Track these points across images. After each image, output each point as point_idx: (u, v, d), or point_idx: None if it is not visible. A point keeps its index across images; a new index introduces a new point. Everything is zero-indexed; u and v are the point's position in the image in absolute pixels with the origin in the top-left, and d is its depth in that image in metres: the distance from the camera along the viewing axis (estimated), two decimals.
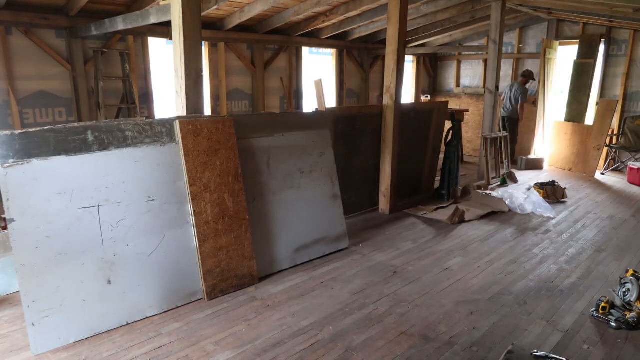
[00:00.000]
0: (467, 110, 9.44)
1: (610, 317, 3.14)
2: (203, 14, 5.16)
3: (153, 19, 3.96)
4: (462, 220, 5.26)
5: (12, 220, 2.64)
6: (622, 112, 7.97)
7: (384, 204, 5.64)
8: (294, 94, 7.90)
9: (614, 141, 7.99)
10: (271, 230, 3.84)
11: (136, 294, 3.09)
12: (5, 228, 3.82)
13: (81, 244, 2.89)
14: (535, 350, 2.50)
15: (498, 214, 5.62)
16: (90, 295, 2.91)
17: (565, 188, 6.39)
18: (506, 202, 5.75)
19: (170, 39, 5.31)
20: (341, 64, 8.58)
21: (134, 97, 5.71)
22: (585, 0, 5.22)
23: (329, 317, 3.20)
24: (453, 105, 10.00)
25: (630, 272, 3.38)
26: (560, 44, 8.65)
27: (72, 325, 2.84)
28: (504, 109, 8.37)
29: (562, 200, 6.22)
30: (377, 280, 3.79)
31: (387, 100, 5.33)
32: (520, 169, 8.15)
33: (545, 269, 4.06)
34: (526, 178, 7.49)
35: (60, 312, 2.80)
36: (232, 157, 3.48)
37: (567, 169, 8.22)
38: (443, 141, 6.41)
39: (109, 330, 2.98)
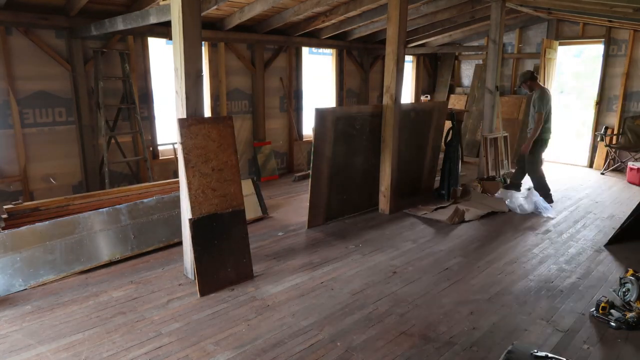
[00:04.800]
0: (468, 111, 9.45)
1: (610, 317, 3.14)
2: (203, 14, 5.15)
3: (153, 19, 3.95)
4: (462, 220, 5.26)
5: None
6: (622, 112, 7.97)
7: (384, 204, 5.64)
8: (294, 94, 7.89)
9: (614, 141, 7.99)
10: None
11: None
12: (5, 228, 3.82)
13: None
14: (535, 350, 2.50)
15: (498, 214, 5.62)
16: None
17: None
18: (506, 202, 5.76)
19: (170, 39, 5.31)
20: (341, 64, 8.57)
21: (134, 97, 5.70)
22: (585, 0, 5.22)
23: (329, 317, 3.20)
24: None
25: (630, 272, 3.39)
26: (560, 44, 8.65)
27: None
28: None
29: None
30: (377, 280, 3.79)
31: (387, 100, 5.33)
32: None
33: (545, 269, 4.06)
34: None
35: None
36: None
37: None
38: (443, 141, 6.41)
39: (108, 331, 2.99)
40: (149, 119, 6.17)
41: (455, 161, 6.31)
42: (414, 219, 5.43)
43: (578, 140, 11.20)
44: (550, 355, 2.48)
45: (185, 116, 3.42)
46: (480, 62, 9.80)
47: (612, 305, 3.21)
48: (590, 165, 8.44)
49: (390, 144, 5.38)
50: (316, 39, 7.78)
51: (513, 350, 2.50)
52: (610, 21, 7.11)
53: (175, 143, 5.91)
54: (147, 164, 5.89)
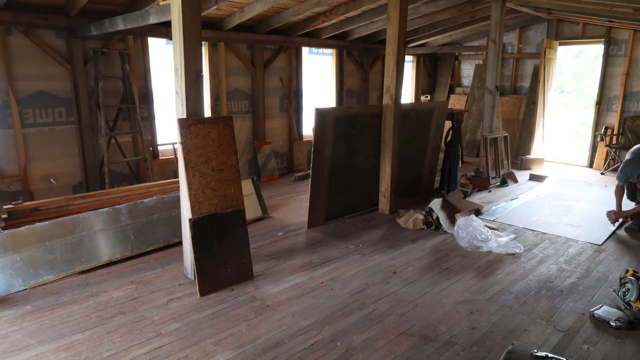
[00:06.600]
0: (468, 111, 9.45)
1: (610, 316, 3.15)
2: (203, 14, 5.15)
3: (153, 19, 3.95)
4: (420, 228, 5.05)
5: None
6: (622, 112, 7.97)
7: (383, 204, 5.64)
8: (294, 94, 7.89)
9: (614, 141, 7.99)
10: None
11: None
12: (5, 228, 3.82)
13: None
14: (535, 350, 2.50)
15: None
16: None
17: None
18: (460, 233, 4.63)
19: (170, 39, 5.31)
20: (341, 64, 8.57)
21: (134, 97, 5.70)
22: (585, 0, 5.22)
23: (329, 317, 3.20)
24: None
25: (630, 272, 3.38)
26: (560, 44, 8.66)
27: None
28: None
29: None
30: (377, 280, 3.79)
31: (387, 100, 5.33)
32: (519, 169, 8.14)
33: (545, 269, 4.06)
34: (525, 178, 7.49)
35: None
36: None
37: None
38: (443, 141, 6.41)
39: (108, 331, 2.99)
40: (149, 119, 6.17)
41: (455, 161, 6.30)
42: None
43: (578, 140, 11.21)
44: (550, 355, 2.48)
45: (185, 116, 3.42)
46: (480, 62, 9.80)
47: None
48: (590, 165, 8.44)
49: (390, 144, 5.38)
50: (316, 39, 7.78)
51: (513, 350, 2.50)
52: (610, 21, 7.11)
53: (175, 143, 5.91)
54: (147, 164, 5.89)
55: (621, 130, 7.91)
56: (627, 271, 3.43)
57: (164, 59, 6.32)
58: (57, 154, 5.41)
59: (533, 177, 7.44)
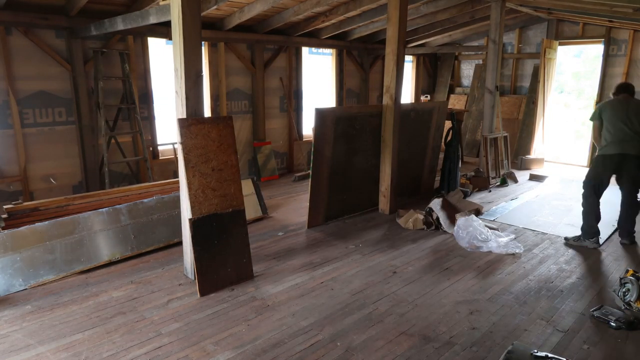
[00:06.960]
0: (468, 111, 9.45)
1: (610, 316, 3.15)
2: (203, 14, 5.15)
3: (153, 19, 3.95)
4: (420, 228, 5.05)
5: None
6: None
7: (383, 204, 5.64)
8: (294, 94, 7.89)
9: None
10: None
11: None
12: (5, 228, 3.82)
13: None
14: (535, 350, 2.50)
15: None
16: None
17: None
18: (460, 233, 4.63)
19: (170, 39, 5.31)
20: (341, 64, 8.57)
21: (134, 97, 5.70)
22: (586, 0, 5.22)
23: (329, 317, 3.20)
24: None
25: (630, 272, 3.38)
26: (560, 44, 8.65)
27: None
28: (617, 141, 4.41)
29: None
30: (377, 280, 3.79)
31: (387, 100, 5.33)
32: (519, 169, 8.14)
33: (545, 269, 4.06)
34: (525, 178, 7.49)
35: None
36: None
37: None
38: (443, 141, 6.41)
39: (108, 331, 2.99)
40: (149, 119, 6.17)
41: (455, 161, 6.30)
42: None
43: (578, 140, 11.21)
44: (550, 355, 2.48)
45: (185, 116, 3.43)
46: (480, 62, 9.80)
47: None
48: (590, 165, 8.43)
49: (390, 144, 5.38)
50: (316, 39, 7.78)
51: (513, 350, 2.50)
52: (610, 21, 7.11)
53: (175, 143, 5.92)
54: (147, 164, 5.89)
55: None
56: (627, 271, 3.43)
57: (164, 59, 6.31)
58: (57, 154, 5.41)
59: (533, 177, 7.44)
